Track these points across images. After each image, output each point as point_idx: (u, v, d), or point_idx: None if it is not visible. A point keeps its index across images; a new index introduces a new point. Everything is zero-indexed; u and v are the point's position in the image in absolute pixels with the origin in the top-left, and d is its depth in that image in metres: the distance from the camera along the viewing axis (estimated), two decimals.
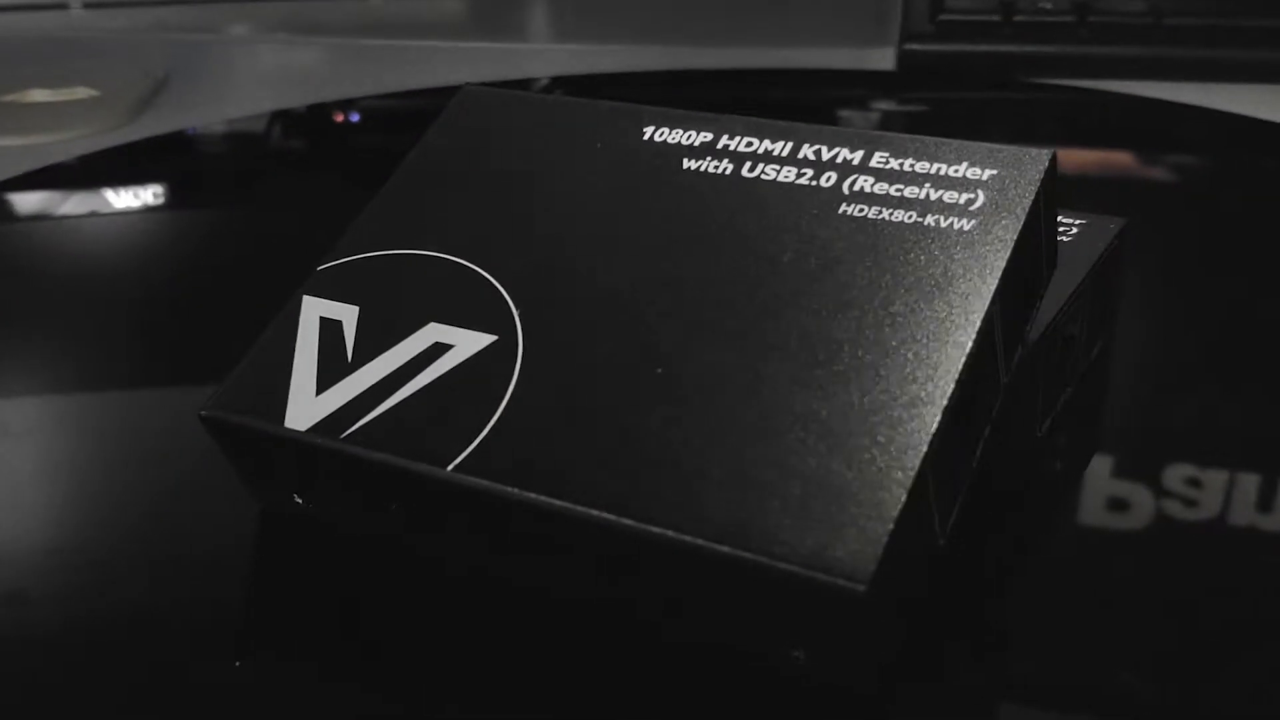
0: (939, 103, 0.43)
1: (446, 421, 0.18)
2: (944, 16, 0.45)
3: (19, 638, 0.19)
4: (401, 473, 0.17)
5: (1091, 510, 0.21)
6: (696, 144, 0.20)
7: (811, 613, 0.15)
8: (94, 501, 0.22)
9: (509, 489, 0.17)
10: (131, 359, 0.27)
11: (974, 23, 0.44)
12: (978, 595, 0.19)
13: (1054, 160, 0.18)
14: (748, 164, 0.20)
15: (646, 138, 0.21)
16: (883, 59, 0.46)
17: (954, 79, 0.44)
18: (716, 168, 0.20)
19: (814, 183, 0.19)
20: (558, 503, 0.16)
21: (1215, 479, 0.21)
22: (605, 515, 0.16)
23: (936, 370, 0.16)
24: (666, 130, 0.21)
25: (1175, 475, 0.21)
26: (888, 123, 0.41)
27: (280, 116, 0.42)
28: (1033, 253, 0.19)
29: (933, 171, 0.19)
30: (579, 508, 0.16)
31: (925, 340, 0.17)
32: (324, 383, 0.19)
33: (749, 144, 0.20)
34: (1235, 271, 0.29)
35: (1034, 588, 0.19)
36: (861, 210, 0.19)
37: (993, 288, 0.17)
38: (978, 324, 0.17)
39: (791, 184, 0.19)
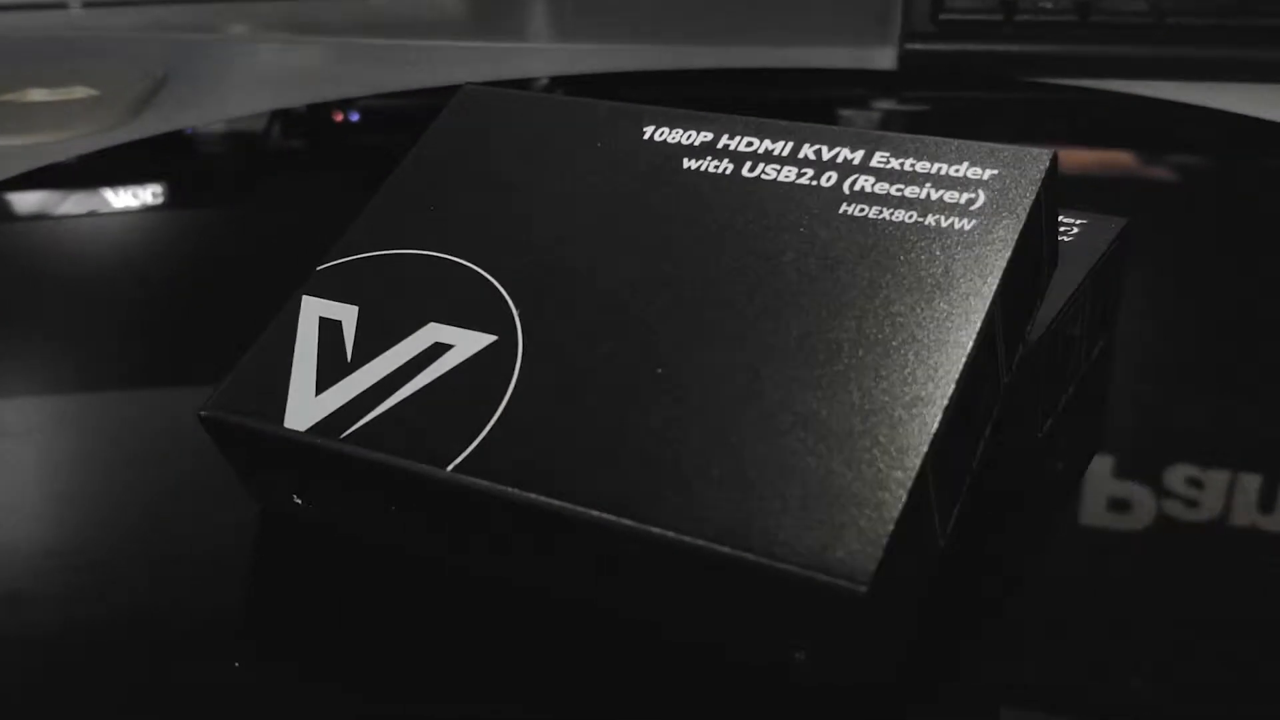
0: (940, 102, 0.43)
1: (446, 421, 0.18)
2: (945, 16, 0.44)
3: (18, 638, 0.19)
4: (401, 473, 0.17)
5: (1092, 511, 0.21)
6: (697, 144, 0.20)
7: (812, 613, 0.15)
8: (93, 502, 0.22)
9: (509, 489, 0.17)
10: (130, 359, 0.27)
11: (975, 22, 0.44)
12: (978, 596, 0.19)
13: (1055, 160, 0.18)
14: (748, 164, 0.20)
15: (646, 137, 0.21)
16: (883, 58, 0.46)
17: (955, 78, 0.44)
18: (717, 167, 0.20)
19: (814, 182, 0.19)
20: (557, 503, 0.16)
21: (1216, 479, 0.21)
22: (605, 515, 0.16)
23: (937, 370, 0.16)
24: (666, 130, 0.21)
25: (1176, 476, 0.21)
26: (888, 122, 0.41)
27: (280, 116, 0.42)
28: (1033, 252, 0.19)
29: (933, 171, 0.19)
30: (579, 508, 0.16)
31: (926, 340, 0.17)
32: (323, 383, 0.19)
33: (749, 144, 0.20)
34: (1237, 271, 0.29)
35: (1034, 588, 0.19)
36: (862, 210, 0.18)
37: (993, 288, 0.17)
38: (978, 324, 0.17)
39: (792, 184, 0.19)
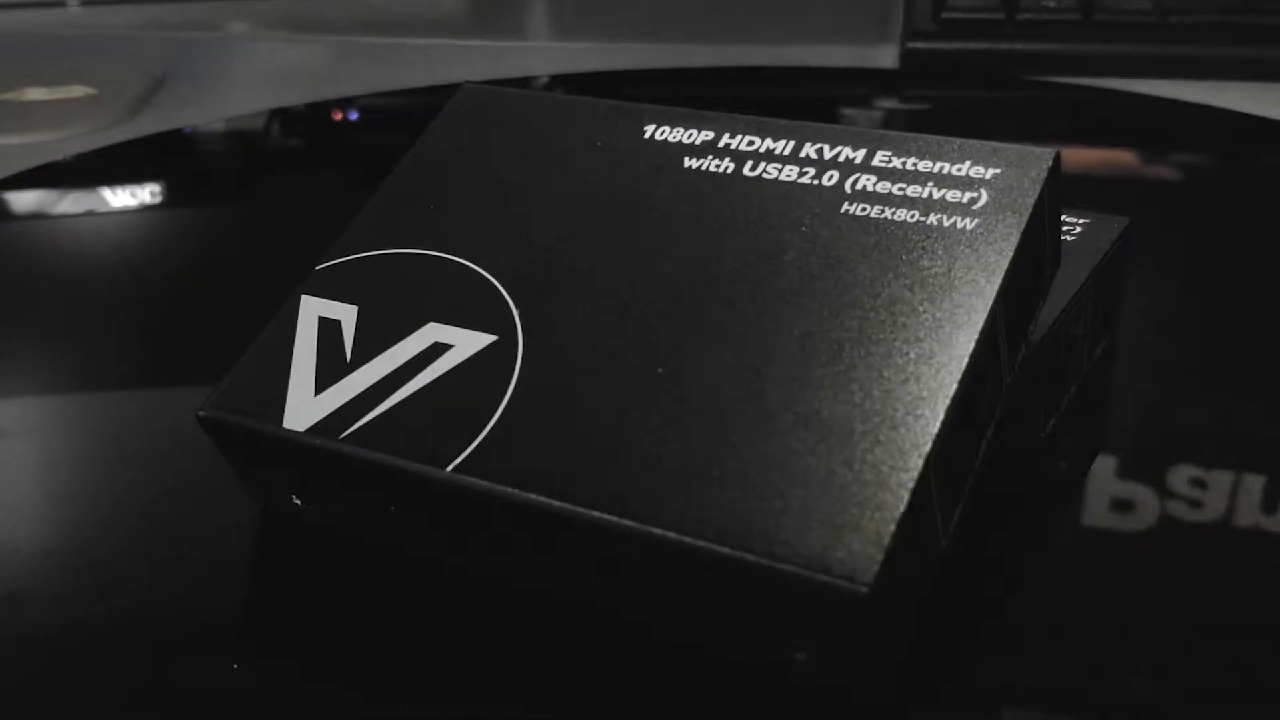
0: (942, 101, 0.43)
1: (446, 422, 0.17)
2: (947, 14, 0.44)
3: (18, 638, 0.19)
4: (401, 473, 0.17)
5: (1095, 511, 0.21)
6: (698, 143, 0.20)
7: (813, 614, 0.15)
8: (93, 502, 0.22)
9: (508, 489, 0.17)
10: (130, 359, 0.27)
11: (977, 20, 0.44)
12: (980, 596, 0.19)
13: (1058, 159, 0.18)
14: (749, 163, 0.20)
15: (647, 136, 0.21)
16: (885, 57, 0.46)
17: (957, 77, 0.44)
18: (718, 167, 0.20)
19: (816, 182, 0.19)
20: (557, 503, 0.16)
21: (1220, 480, 0.21)
22: (605, 516, 0.16)
23: (939, 370, 0.16)
24: (667, 129, 0.20)
25: (1180, 476, 0.21)
26: (890, 121, 0.41)
27: (279, 115, 0.42)
28: (1036, 252, 0.18)
29: (935, 170, 0.18)
30: (579, 508, 0.16)
31: (928, 340, 0.17)
32: (323, 383, 0.19)
33: (750, 143, 0.20)
34: (1240, 271, 0.29)
35: (1036, 589, 0.19)
36: (864, 209, 0.18)
37: (996, 287, 0.17)
38: (980, 324, 0.17)
39: (793, 183, 0.19)
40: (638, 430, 0.17)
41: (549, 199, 0.20)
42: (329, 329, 0.19)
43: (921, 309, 0.17)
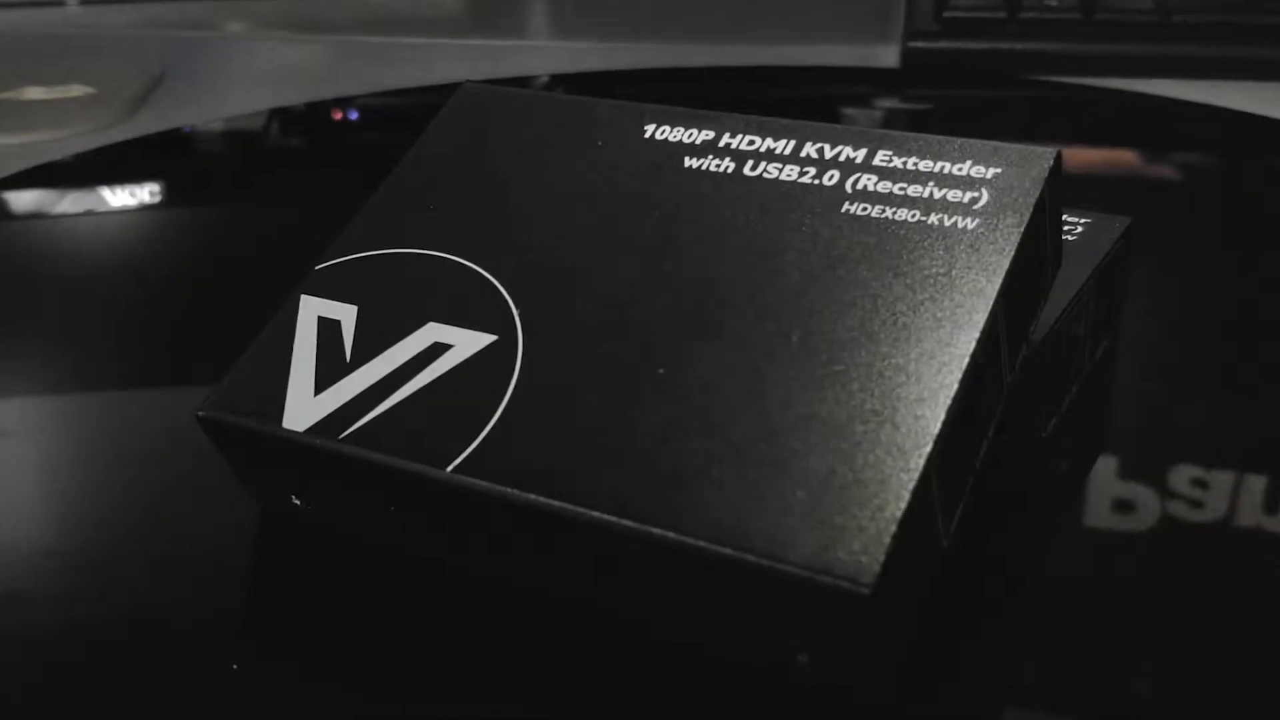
0: (943, 100, 0.42)
1: (446, 422, 0.17)
2: (948, 13, 0.44)
3: (18, 638, 0.18)
4: (400, 473, 0.17)
5: (1096, 511, 0.21)
6: (698, 142, 0.20)
7: (814, 615, 0.15)
8: (93, 502, 0.22)
9: (508, 490, 0.17)
10: (130, 359, 0.27)
11: (978, 20, 0.44)
12: (980, 596, 0.19)
13: (1059, 158, 0.18)
14: (750, 162, 0.20)
15: (647, 136, 0.20)
16: (886, 56, 0.46)
17: (958, 76, 0.43)
18: (718, 166, 0.20)
19: (817, 181, 0.19)
20: (557, 504, 0.16)
21: (1222, 480, 0.21)
22: (605, 516, 0.16)
23: (940, 370, 0.16)
24: (667, 128, 0.20)
25: (1181, 476, 0.21)
26: (891, 121, 0.41)
27: (278, 114, 0.42)
28: (1037, 252, 0.18)
29: (936, 170, 0.18)
30: (579, 509, 0.16)
31: (929, 340, 0.17)
32: (322, 383, 0.19)
33: (751, 142, 0.20)
34: (1242, 270, 0.29)
35: (1037, 589, 0.19)
36: (865, 209, 0.18)
37: (997, 287, 0.17)
38: (982, 323, 0.17)
39: (794, 183, 0.19)
40: (638, 430, 0.17)
41: (549, 199, 0.20)
42: (329, 329, 0.19)
43: (922, 309, 0.17)
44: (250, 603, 0.20)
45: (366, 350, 0.19)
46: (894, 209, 0.18)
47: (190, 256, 0.32)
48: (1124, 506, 0.21)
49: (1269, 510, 0.20)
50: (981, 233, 0.18)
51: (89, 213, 0.35)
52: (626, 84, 0.43)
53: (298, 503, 0.20)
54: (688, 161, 0.20)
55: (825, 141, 0.19)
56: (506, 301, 0.19)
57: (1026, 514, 0.21)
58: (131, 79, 0.44)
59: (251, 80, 0.46)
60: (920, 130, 0.19)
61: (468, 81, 0.23)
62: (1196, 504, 0.21)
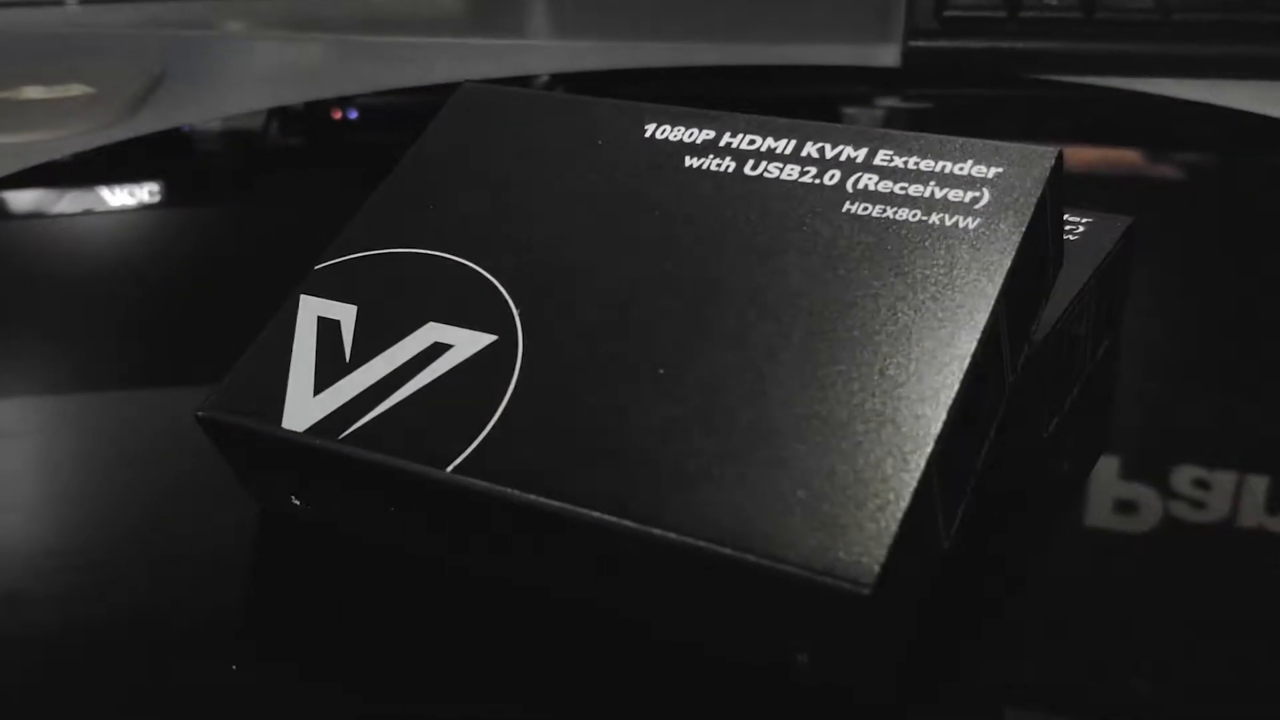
0: (944, 100, 0.42)
1: (445, 422, 0.17)
2: (949, 13, 0.44)
3: (18, 638, 0.18)
4: (400, 474, 0.17)
5: (1098, 512, 0.21)
6: (698, 142, 0.20)
7: (815, 615, 0.15)
8: (93, 502, 0.22)
9: (508, 490, 0.17)
10: (129, 359, 0.27)
11: (979, 19, 0.44)
12: (981, 596, 0.19)
13: (1060, 158, 0.18)
14: (750, 162, 0.20)
15: (648, 135, 0.20)
16: (887, 55, 0.46)
17: (959, 76, 0.43)
18: (719, 166, 0.20)
19: (817, 181, 0.19)
20: (557, 504, 0.16)
21: (1223, 480, 0.21)
22: (605, 517, 0.16)
23: (941, 370, 0.16)
24: (668, 128, 0.20)
25: (1183, 477, 0.21)
26: (892, 120, 0.41)
27: (278, 114, 0.42)
28: (1038, 251, 0.18)
29: (937, 169, 0.18)
30: (579, 509, 0.16)
31: (930, 340, 0.17)
32: (322, 383, 0.19)
33: (751, 142, 0.20)
34: (1243, 270, 0.29)
35: (1038, 589, 0.19)
36: (865, 209, 0.18)
37: (998, 287, 0.17)
38: (983, 323, 0.17)
39: (795, 182, 0.19)
40: (638, 430, 0.17)
41: (549, 198, 0.20)
42: (328, 329, 0.19)
43: (923, 308, 0.17)
44: (250, 603, 0.20)
45: (366, 350, 0.19)
46: (895, 208, 0.18)
47: (190, 256, 0.32)
48: (1125, 507, 0.21)
49: (1271, 510, 0.20)
50: (983, 232, 0.18)
51: (88, 212, 0.35)
52: (627, 83, 0.43)
53: (297, 503, 0.20)
54: (688, 161, 0.20)
55: (826, 141, 0.19)
56: (506, 301, 0.19)
57: (1028, 514, 0.21)
58: (131, 78, 0.44)
59: (251, 80, 0.46)
60: (921, 130, 0.19)
61: (467, 81, 0.23)
62: (1198, 504, 0.21)
